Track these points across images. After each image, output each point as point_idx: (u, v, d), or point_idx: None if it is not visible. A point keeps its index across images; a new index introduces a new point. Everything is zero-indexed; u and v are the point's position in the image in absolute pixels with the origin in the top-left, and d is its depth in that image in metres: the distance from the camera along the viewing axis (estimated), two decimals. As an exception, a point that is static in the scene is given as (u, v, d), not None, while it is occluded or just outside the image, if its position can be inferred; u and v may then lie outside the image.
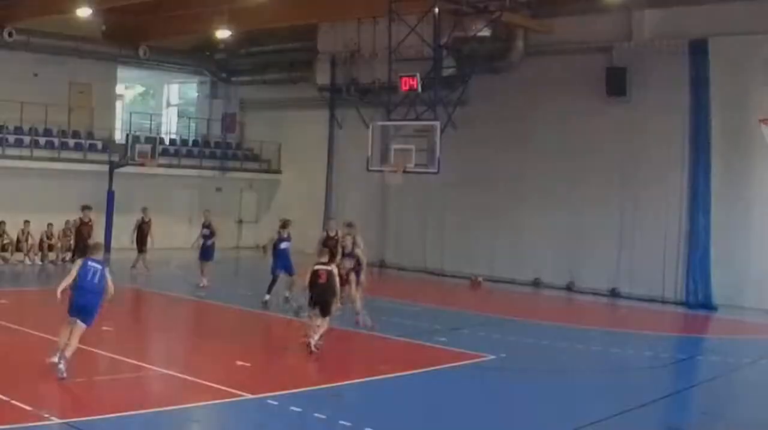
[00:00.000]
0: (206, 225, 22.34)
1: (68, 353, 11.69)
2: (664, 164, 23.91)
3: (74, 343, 11.85)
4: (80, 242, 22.17)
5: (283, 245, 19.41)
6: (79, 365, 13.01)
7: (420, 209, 28.88)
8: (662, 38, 23.97)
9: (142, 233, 24.71)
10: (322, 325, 14.30)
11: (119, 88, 34.86)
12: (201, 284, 21.50)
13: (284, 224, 19.89)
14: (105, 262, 12.94)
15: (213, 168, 32.54)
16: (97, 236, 26.71)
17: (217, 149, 33.30)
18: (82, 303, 12.04)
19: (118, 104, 35.34)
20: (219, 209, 31.37)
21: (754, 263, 22.44)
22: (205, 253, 22.02)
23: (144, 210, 25.16)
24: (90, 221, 23.06)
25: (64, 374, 11.43)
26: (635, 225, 24.35)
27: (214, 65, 34.37)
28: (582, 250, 25.13)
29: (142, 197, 29.87)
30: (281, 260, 19.25)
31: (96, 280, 12.07)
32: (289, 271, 19.25)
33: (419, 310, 19.75)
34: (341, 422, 10.31)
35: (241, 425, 10.64)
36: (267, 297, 19.08)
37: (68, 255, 25.05)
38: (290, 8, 25.62)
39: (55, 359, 11.69)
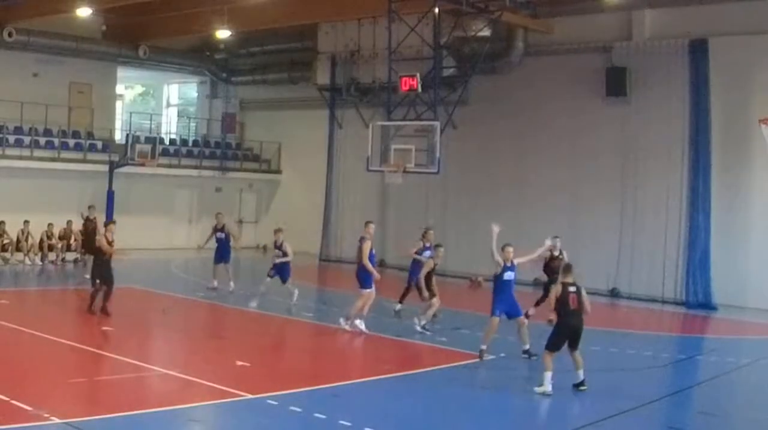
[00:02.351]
0: (219, 228, 21.81)
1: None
2: (664, 164, 23.90)
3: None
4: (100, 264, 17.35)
5: (427, 254, 17.83)
6: (79, 365, 13.05)
7: (420, 209, 28.86)
8: (662, 38, 23.98)
9: (87, 233, 23.17)
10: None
11: (119, 88, 34.90)
12: (230, 289, 21.09)
13: (426, 233, 18.50)
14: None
15: (213, 168, 32.56)
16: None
17: (217, 149, 33.32)
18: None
19: (118, 104, 35.38)
20: (219, 209, 31.44)
21: (754, 263, 22.45)
22: (225, 255, 21.64)
23: (90, 208, 23.75)
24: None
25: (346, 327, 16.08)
26: (635, 225, 24.35)
27: (214, 65, 34.39)
28: (582, 250, 25.08)
29: (142, 197, 29.99)
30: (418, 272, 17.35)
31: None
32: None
33: (419, 310, 19.71)
34: (341, 422, 10.30)
35: (241, 425, 10.63)
36: (398, 307, 18.41)
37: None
38: (290, 8, 25.62)
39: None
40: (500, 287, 14.48)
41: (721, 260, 22.83)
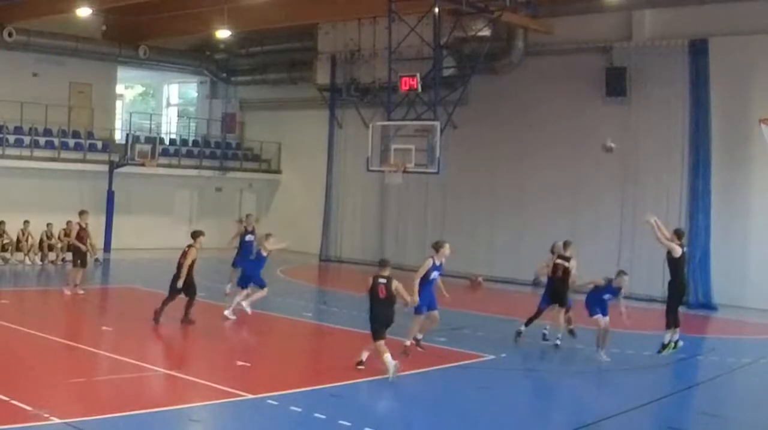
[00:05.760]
0: (250, 230, 20.54)
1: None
2: (664, 164, 23.91)
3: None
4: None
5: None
6: (79, 365, 13.05)
7: (420, 209, 28.89)
8: (662, 38, 23.98)
9: (81, 241, 20.00)
10: None
11: (119, 88, 34.89)
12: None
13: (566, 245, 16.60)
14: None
15: (213, 168, 32.56)
16: (98, 236, 26.93)
17: (217, 149, 33.32)
18: None
19: (118, 104, 35.38)
20: (219, 209, 31.47)
21: (754, 263, 22.45)
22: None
23: (82, 214, 20.29)
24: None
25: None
26: (635, 225, 24.31)
27: (214, 65, 34.39)
28: (582, 250, 25.04)
29: (142, 197, 29.99)
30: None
31: None
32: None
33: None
34: (341, 422, 10.31)
35: (241, 425, 10.63)
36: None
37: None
38: (290, 8, 25.63)
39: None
40: (425, 284, 14.47)
41: (721, 260, 22.83)
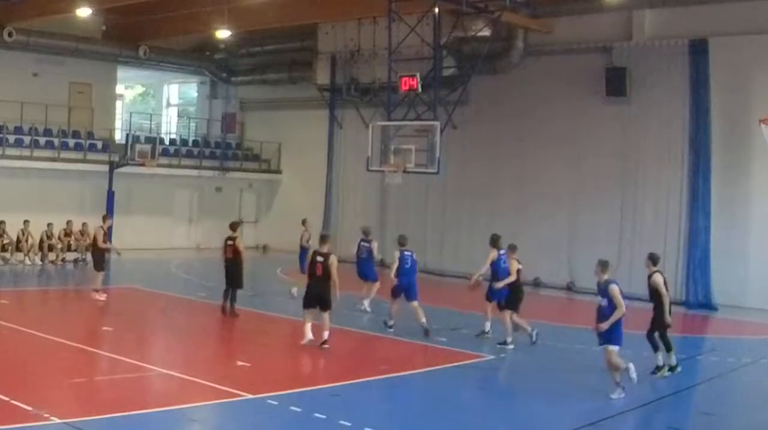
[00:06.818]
0: (370, 239, 19.37)
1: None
2: (664, 164, 23.91)
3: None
4: None
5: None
6: (79, 365, 13.05)
7: (420, 209, 28.88)
8: (662, 38, 23.98)
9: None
10: None
11: (119, 88, 34.90)
12: (362, 307, 18.55)
13: None
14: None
15: (213, 168, 32.57)
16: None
17: (217, 149, 33.33)
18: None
19: (118, 104, 35.39)
20: (219, 209, 31.48)
21: (754, 263, 22.43)
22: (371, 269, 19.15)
23: (106, 218, 20.32)
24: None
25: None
26: (635, 225, 24.35)
27: (214, 65, 34.39)
28: (582, 250, 25.11)
29: (142, 197, 30.00)
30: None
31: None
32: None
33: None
34: (341, 422, 10.31)
35: (241, 425, 10.64)
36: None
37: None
38: (290, 8, 25.63)
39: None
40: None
41: (721, 260, 22.82)
